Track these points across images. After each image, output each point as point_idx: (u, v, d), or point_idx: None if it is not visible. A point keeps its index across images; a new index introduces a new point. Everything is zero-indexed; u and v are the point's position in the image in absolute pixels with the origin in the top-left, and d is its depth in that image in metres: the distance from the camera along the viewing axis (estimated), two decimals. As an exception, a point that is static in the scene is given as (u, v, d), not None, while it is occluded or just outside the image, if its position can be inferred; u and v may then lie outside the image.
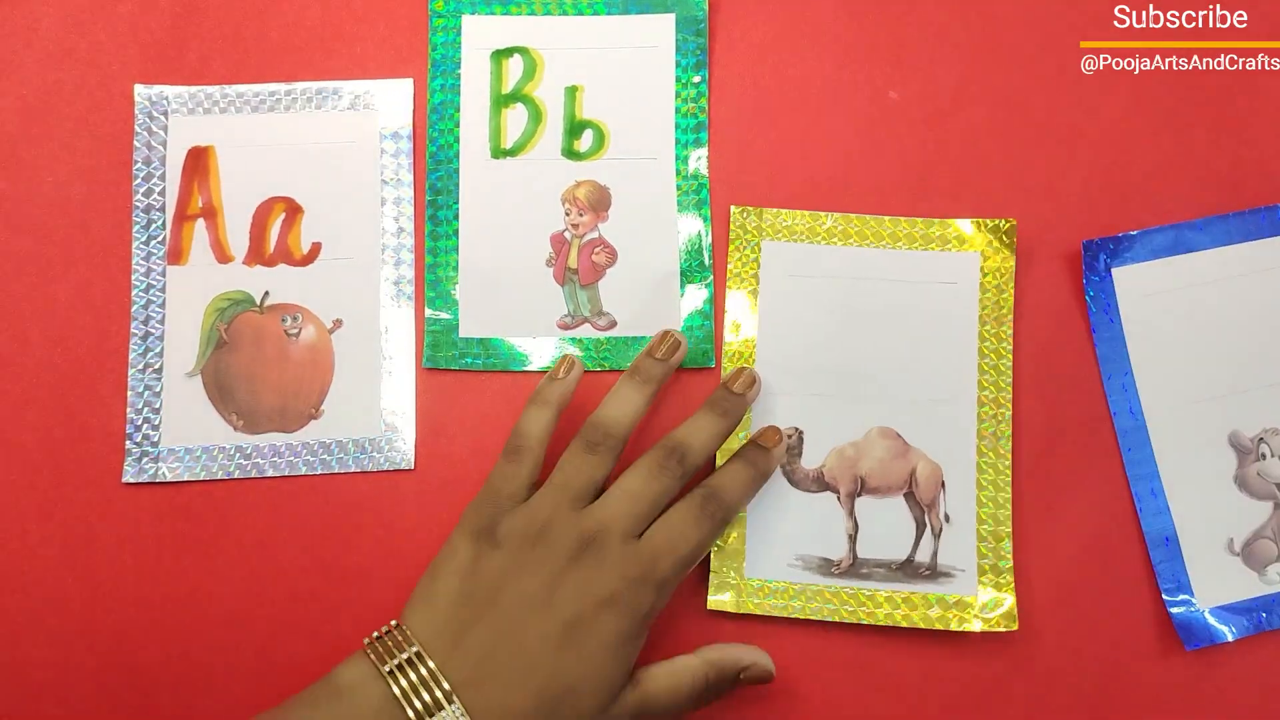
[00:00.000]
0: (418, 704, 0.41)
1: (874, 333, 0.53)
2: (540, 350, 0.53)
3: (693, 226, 0.54)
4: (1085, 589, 0.51)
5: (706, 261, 0.53)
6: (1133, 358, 0.52)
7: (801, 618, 0.51)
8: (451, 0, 0.55)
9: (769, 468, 0.50)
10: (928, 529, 0.51)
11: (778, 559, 0.51)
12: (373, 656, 0.42)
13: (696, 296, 0.53)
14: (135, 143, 0.54)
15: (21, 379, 0.52)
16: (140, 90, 0.54)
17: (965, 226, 0.53)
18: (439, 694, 0.41)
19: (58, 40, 0.55)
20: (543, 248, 0.54)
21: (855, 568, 0.51)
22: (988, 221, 0.53)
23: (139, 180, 0.54)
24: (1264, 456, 0.52)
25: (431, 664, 0.42)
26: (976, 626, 0.50)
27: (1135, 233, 0.53)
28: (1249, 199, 0.54)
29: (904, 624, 0.50)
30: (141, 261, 0.53)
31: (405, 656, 0.42)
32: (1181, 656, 0.51)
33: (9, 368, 0.52)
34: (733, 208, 0.54)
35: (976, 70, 0.55)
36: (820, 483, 0.52)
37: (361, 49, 0.55)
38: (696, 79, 0.55)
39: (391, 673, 0.41)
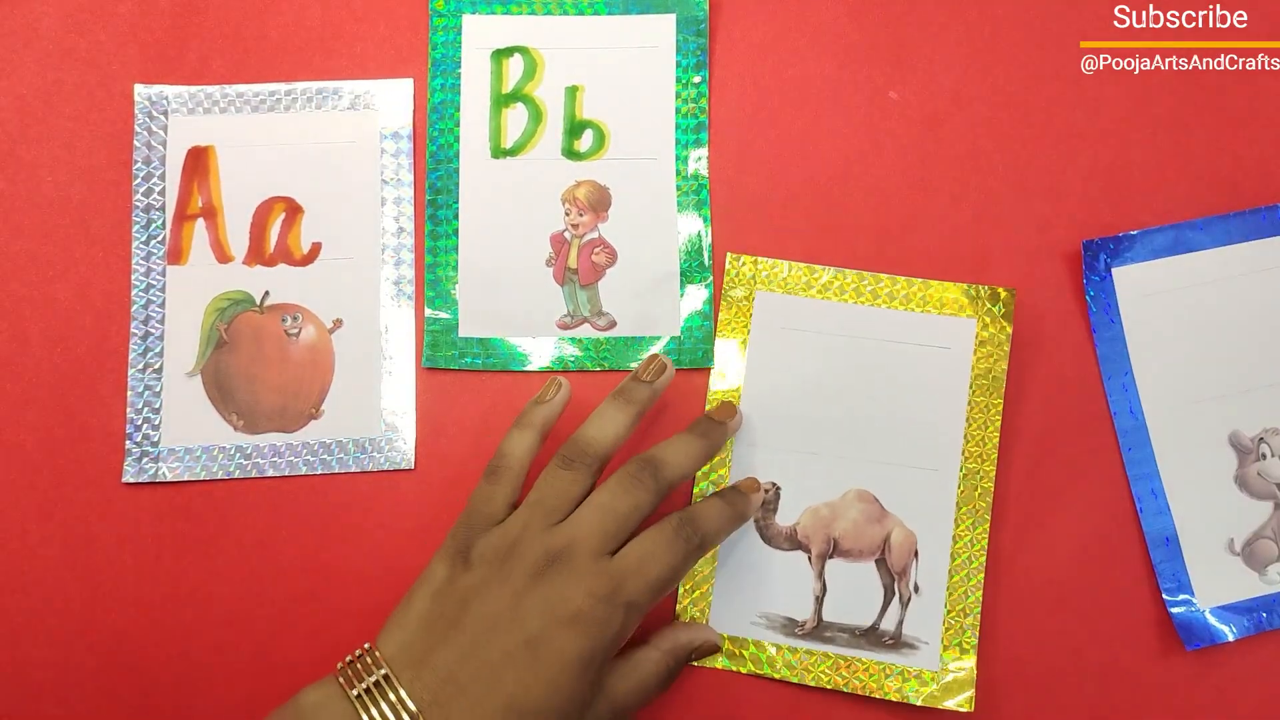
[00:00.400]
0: None
1: (862, 392, 0.52)
2: (540, 350, 0.53)
3: (693, 226, 0.54)
4: (1085, 589, 0.51)
5: (706, 262, 0.53)
6: (1133, 358, 0.52)
7: (759, 674, 0.50)
8: (452, 0, 0.55)
9: (746, 510, 0.49)
10: (896, 597, 0.51)
11: (742, 615, 0.51)
12: (342, 681, 0.42)
13: (696, 297, 0.53)
14: (135, 142, 0.54)
15: (22, 379, 0.52)
16: (140, 90, 0.54)
17: (964, 292, 0.52)
18: (405, 717, 0.40)
19: (57, 40, 0.55)
20: (542, 248, 0.54)
21: (819, 630, 0.51)
22: (985, 289, 0.52)
23: (139, 180, 0.54)
24: (1264, 456, 0.52)
25: (400, 687, 0.41)
26: (934, 702, 0.50)
27: (1135, 233, 0.53)
28: (1249, 199, 0.54)
29: (861, 692, 0.50)
30: (141, 261, 0.53)
31: (374, 679, 0.42)
32: (1181, 656, 0.51)
33: (9, 368, 0.52)
34: (729, 255, 0.53)
35: (976, 70, 0.55)
36: (793, 540, 0.51)
37: (361, 49, 0.55)
38: (697, 79, 0.55)
39: (359, 696, 0.41)
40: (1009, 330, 0.52)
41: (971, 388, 0.52)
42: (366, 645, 0.43)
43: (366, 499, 0.52)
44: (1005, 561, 0.51)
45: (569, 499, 0.46)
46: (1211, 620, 0.51)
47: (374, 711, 0.41)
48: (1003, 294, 0.52)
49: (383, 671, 0.42)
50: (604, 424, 0.47)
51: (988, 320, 0.52)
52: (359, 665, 0.42)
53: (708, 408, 0.52)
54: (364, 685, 0.41)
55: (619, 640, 0.44)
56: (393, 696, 0.41)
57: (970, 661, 0.50)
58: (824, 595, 0.51)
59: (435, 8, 0.55)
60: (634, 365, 0.52)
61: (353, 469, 0.52)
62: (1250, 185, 0.54)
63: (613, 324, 0.53)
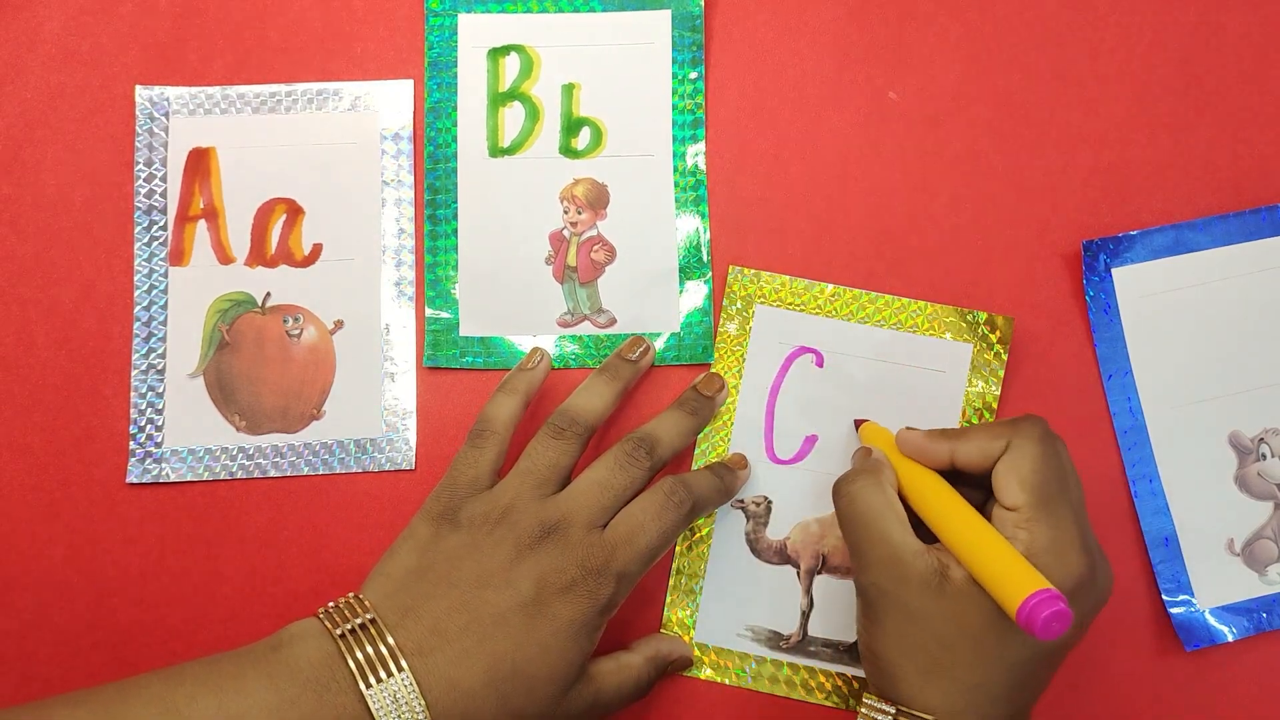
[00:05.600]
0: (367, 669, 0.40)
1: (854, 410, 0.52)
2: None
3: (691, 223, 0.54)
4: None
5: (705, 258, 0.53)
6: (1133, 358, 0.52)
7: (743, 686, 0.51)
8: None
9: (734, 485, 0.50)
10: None
11: (729, 627, 0.51)
12: (327, 623, 0.42)
13: (696, 293, 0.53)
14: (137, 144, 0.54)
15: (27, 381, 0.53)
16: (141, 91, 0.54)
17: (961, 316, 0.52)
18: (390, 661, 0.41)
19: (59, 43, 0.55)
20: (542, 246, 0.54)
21: (804, 644, 0.51)
22: (983, 315, 0.52)
23: (140, 181, 0.54)
24: (1264, 456, 0.51)
25: (387, 633, 0.41)
26: None
27: (1135, 233, 0.53)
28: (1249, 199, 0.53)
29: (842, 706, 0.50)
30: (144, 263, 0.53)
31: (359, 621, 0.42)
32: (1181, 656, 0.51)
33: (14, 370, 0.53)
34: (730, 268, 0.53)
35: (976, 70, 0.55)
36: (782, 555, 0.51)
37: (362, 49, 0.55)
38: (693, 75, 0.55)
39: (343, 636, 0.41)
40: (1004, 358, 0.52)
41: (963, 411, 0.52)
42: (352, 594, 0.44)
43: (368, 499, 0.52)
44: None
45: (559, 468, 0.47)
46: (1211, 621, 0.51)
47: (359, 654, 0.41)
48: (999, 321, 0.52)
49: (369, 616, 0.42)
50: (592, 396, 0.49)
51: (983, 347, 0.52)
52: (344, 610, 0.43)
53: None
54: (348, 626, 0.42)
55: (610, 609, 0.45)
56: (379, 640, 0.41)
57: None
58: (810, 610, 0.51)
59: (431, 7, 0.55)
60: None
61: (354, 469, 0.52)
62: (1250, 185, 0.53)
63: (613, 321, 0.53)
